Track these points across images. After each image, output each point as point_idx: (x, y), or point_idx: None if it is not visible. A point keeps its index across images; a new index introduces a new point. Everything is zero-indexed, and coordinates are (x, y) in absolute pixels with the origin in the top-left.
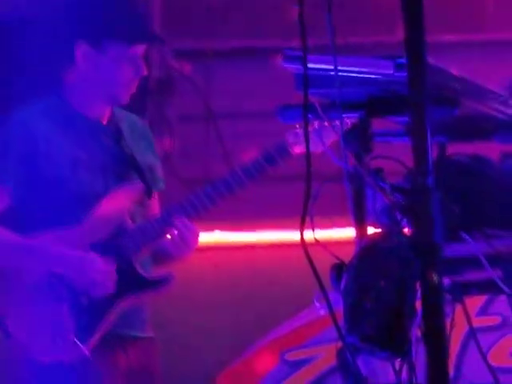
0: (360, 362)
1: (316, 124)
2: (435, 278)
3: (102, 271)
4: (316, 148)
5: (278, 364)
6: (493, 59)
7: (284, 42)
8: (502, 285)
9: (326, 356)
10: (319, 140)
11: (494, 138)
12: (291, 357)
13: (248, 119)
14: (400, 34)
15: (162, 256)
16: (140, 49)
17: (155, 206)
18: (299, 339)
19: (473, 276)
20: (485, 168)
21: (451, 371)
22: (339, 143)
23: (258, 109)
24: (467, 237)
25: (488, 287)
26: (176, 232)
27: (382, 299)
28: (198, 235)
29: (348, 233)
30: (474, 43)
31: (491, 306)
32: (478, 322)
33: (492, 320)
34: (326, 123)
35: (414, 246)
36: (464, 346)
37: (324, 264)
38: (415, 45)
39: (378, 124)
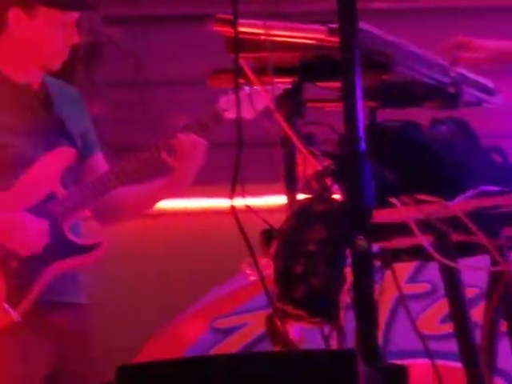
0: (289, 328)
1: (248, 89)
2: (365, 244)
3: (31, 230)
4: (248, 114)
5: (207, 331)
6: (428, 26)
7: (217, 8)
8: (432, 251)
9: (255, 323)
10: (251, 106)
11: (425, 104)
12: (220, 324)
13: (180, 85)
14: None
15: None
16: (73, 15)
17: (99, 169)
18: (229, 306)
19: (403, 242)
20: (415, 134)
21: (380, 338)
22: (271, 108)
23: (189, 75)
24: (397, 202)
25: (418, 253)
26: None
27: (311, 265)
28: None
29: (279, 199)
30: (408, 10)
31: (421, 273)
32: (407, 289)
33: (422, 287)
34: (257, 88)
35: (344, 211)
36: (393, 313)
37: (255, 231)
38: (347, 10)
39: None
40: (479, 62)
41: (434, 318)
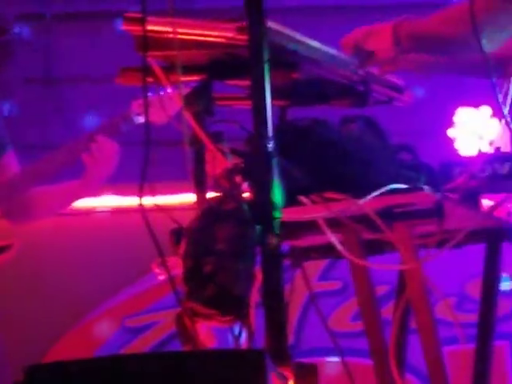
0: (199, 327)
1: (160, 94)
2: (274, 242)
3: None
4: (159, 118)
5: (118, 331)
6: (338, 23)
7: (126, 5)
8: (341, 249)
9: (166, 322)
10: (163, 110)
11: (335, 102)
12: (131, 323)
13: (90, 84)
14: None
15: None
16: None
17: (11, 169)
18: (139, 305)
19: (313, 240)
20: (324, 132)
21: (292, 336)
22: (180, 106)
23: (98, 73)
24: (306, 201)
25: (328, 252)
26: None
27: (220, 263)
28: None
29: (189, 198)
30: (320, 8)
31: (333, 270)
32: (319, 287)
33: (334, 284)
34: (167, 89)
35: (254, 210)
36: (305, 311)
37: (165, 229)
38: (255, 8)
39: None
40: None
41: (346, 315)
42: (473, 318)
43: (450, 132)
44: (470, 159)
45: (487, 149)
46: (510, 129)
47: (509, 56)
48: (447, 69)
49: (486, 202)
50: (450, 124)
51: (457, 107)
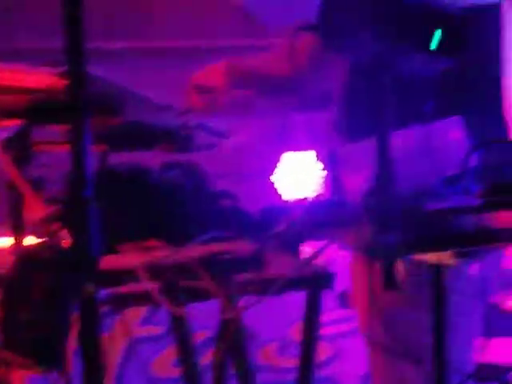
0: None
1: None
2: (92, 290)
3: None
4: None
5: None
6: (161, 66)
7: None
8: (158, 298)
9: None
10: None
11: (157, 147)
12: None
13: None
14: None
15: None
16: None
17: None
18: None
19: (133, 288)
20: (144, 179)
21: (113, 382)
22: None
23: None
24: (126, 248)
25: (148, 299)
26: None
27: (36, 312)
28: None
29: (6, 242)
30: (142, 50)
31: (156, 314)
32: (142, 332)
33: (156, 329)
34: None
35: (71, 258)
36: (127, 357)
37: None
38: (75, 52)
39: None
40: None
41: (168, 360)
42: (297, 362)
43: (274, 176)
44: (291, 206)
45: (309, 195)
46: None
47: None
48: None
49: (307, 250)
50: (274, 168)
51: (282, 151)
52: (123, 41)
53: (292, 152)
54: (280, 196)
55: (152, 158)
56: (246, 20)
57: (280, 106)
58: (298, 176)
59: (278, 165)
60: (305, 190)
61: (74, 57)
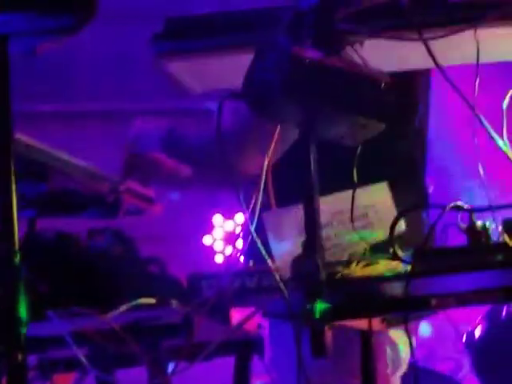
0: None
1: None
2: (19, 358)
3: None
4: None
5: None
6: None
7: None
8: (86, 364)
9: None
10: None
11: (83, 213)
12: None
13: None
14: None
15: None
16: None
17: None
18: None
19: (61, 354)
20: (71, 245)
21: None
22: None
23: None
24: (53, 315)
25: (75, 365)
26: None
27: None
28: None
29: None
30: (65, 113)
31: (84, 381)
32: None
33: None
34: None
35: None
36: None
37: None
38: (1, 116)
39: None
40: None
41: None
42: None
43: (204, 240)
44: (220, 272)
45: (237, 260)
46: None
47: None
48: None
49: (236, 315)
50: (205, 232)
51: (212, 215)
52: (48, 104)
53: (221, 216)
54: (209, 260)
55: (80, 224)
56: (171, 83)
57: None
58: (227, 240)
59: (207, 229)
60: (234, 255)
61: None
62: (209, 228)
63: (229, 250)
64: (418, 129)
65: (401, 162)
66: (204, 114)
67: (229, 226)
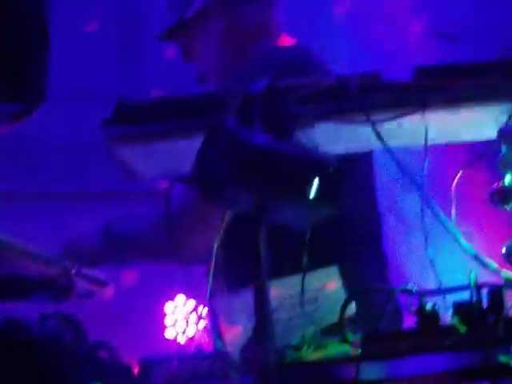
0: None
1: None
2: None
3: None
4: None
5: None
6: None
7: None
8: None
9: None
10: None
11: (33, 298)
12: None
13: None
14: None
15: None
16: None
17: None
18: None
19: None
20: (19, 332)
21: None
22: None
23: None
24: None
25: None
26: None
27: None
28: None
29: None
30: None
31: None
32: None
33: None
34: None
35: None
36: None
37: None
38: None
39: None
40: None
41: None
42: None
43: (154, 325)
44: (171, 356)
45: (188, 345)
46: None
47: None
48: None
49: None
50: (159, 316)
51: (165, 299)
52: (4, 183)
53: (172, 302)
54: (159, 345)
55: (30, 309)
56: (120, 167)
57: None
58: (178, 325)
59: (158, 314)
60: (184, 340)
61: None
62: (161, 313)
63: (180, 335)
64: (367, 208)
65: (354, 241)
66: (151, 195)
67: (180, 311)
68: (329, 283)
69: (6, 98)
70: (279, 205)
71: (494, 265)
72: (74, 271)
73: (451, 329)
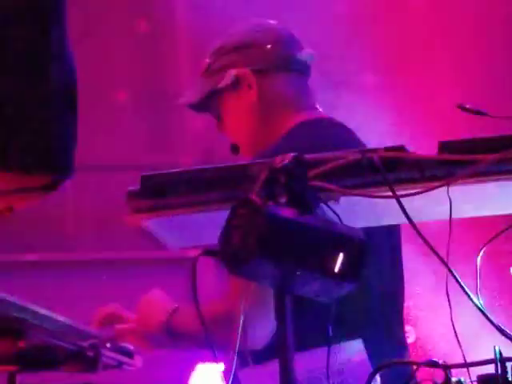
0: None
1: None
2: None
3: None
4: None
5: None
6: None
7: None
8: None
9: None
10: None
11: (63, 367)
12: None
13: None
14: None
15: None
16: None
17: None
18: None
19: None
20: None
21: None
22: None
23: None
24: None
25: None
26: None
27: None
28: None
29: None
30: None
31: None
32: None
33: None
34: None
35: None
36: None
37: None
38: None
39: None
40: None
41: None
42: None
43: None
44: None
45: None
46: None
47: None
48: None
49: None
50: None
51: (192, 369)
52: (28, 253)
53: (199, 371)
54: None
55: (59, 379)
56: (146, 234)
57: None
58: None
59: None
60: None
61: None
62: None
63: None
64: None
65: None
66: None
67: (208, 380)
68: (354, 356)
69: (35, 169)
70: (305, 278)
71: None
72: (102, 342)
73: None
